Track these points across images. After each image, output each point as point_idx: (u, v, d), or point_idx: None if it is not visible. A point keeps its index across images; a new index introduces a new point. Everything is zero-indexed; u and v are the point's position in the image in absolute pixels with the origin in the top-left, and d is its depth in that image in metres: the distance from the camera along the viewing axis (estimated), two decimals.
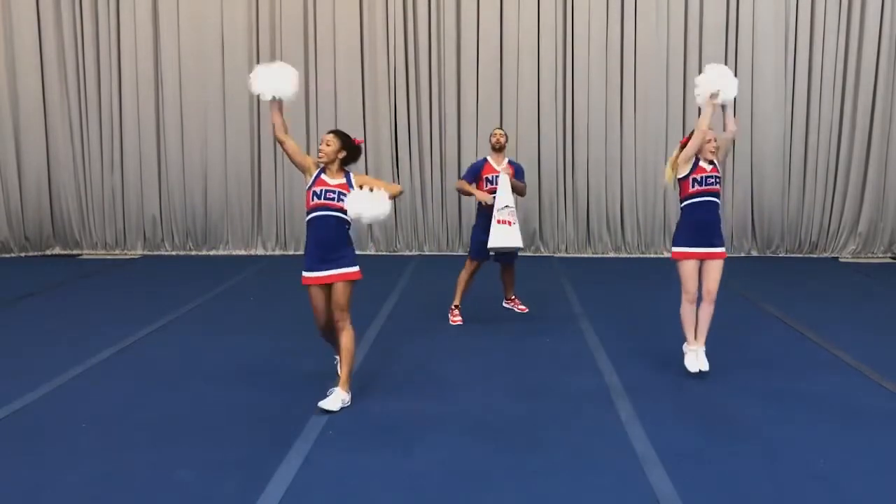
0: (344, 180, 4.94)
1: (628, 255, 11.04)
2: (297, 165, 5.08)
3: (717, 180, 5.43)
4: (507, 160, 7.13)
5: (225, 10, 10.91)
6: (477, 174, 7.05)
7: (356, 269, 4.96)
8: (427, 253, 11.18)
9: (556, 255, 11.07)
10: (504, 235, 6.73)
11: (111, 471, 4.02)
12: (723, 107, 5.46)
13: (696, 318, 5.52)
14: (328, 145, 4.93)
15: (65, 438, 4.45)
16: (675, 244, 5.52)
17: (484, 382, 5.49)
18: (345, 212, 4.81)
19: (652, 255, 11.00)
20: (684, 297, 5.51)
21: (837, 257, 10.89)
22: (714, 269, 5.45)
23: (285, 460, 4.13)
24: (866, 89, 10.69)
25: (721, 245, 5.48)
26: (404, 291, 8.58)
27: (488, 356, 6.13)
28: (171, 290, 8.52)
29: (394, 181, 11.10)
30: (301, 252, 11.06)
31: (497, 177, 6.93)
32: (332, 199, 4.86)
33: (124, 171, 11.15)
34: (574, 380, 5.52)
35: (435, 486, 3.87)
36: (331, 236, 4.88)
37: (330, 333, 5.13)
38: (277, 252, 11.22)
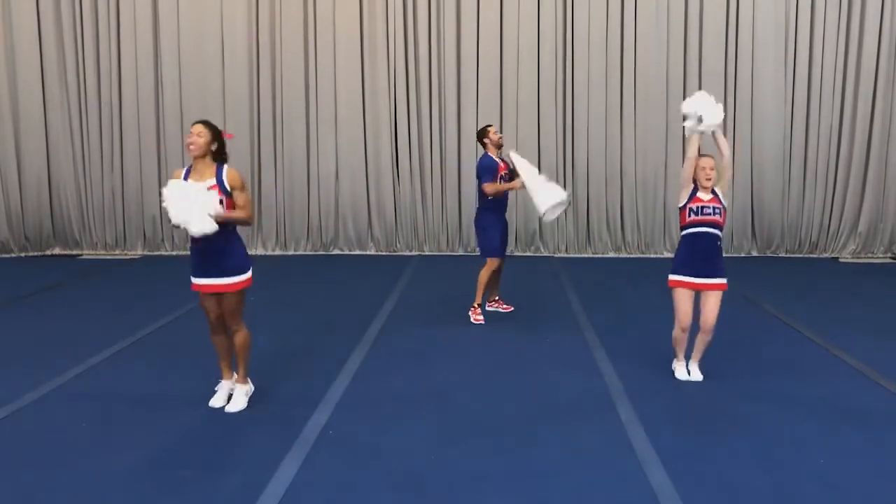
0: (213, 180, 4.55)
1: (628, 255, 11.04)
2: None
3: (717, 210, 5.20)
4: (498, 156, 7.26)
5: (225, 10, 10.91)
6: (495, 173, 7.03)
7: (245, 276, 4.75)
8: (427, 253, 11.18)
9: (556, 255, 11.07)
10: (552, 191, 6.74)
11: (111, 470, 4.02)
12: (713, 133, 5.27)
13: (695, 342, 5.43)
14: (199, 136, 4.53)
15: (65, 438, 4.46)
16: (671, 271, 5.35)
17: (484, 382, 5.49)
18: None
19: (652, 255, 11.00)
20: (677, 325, 5.38)
21: (837, 257, 10.89)
22: (711, 301, 5.25)
23: (285, 460, 4.13)
24: (866, 89, 10.69)
25: (719, 276, 5.25)
26: (404, 291, 8.58)
27: (488, 356, 6.13)
28: (171, 291, 8.51)
29: (394, 182, 11.13)
30: (301, 252, 11.18)
31: (505, 175, 7.06)
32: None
33: (124, 171, 11.16)
34: (574, 380, 5.53)
35: (435, 486, 3.87)
36: (209, 246, 4.56)
37: (223, 336, 4.93)
38: (277, 252, 11.22)
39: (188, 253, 4.75)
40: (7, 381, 5.43)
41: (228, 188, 4.58)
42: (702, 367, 5.53)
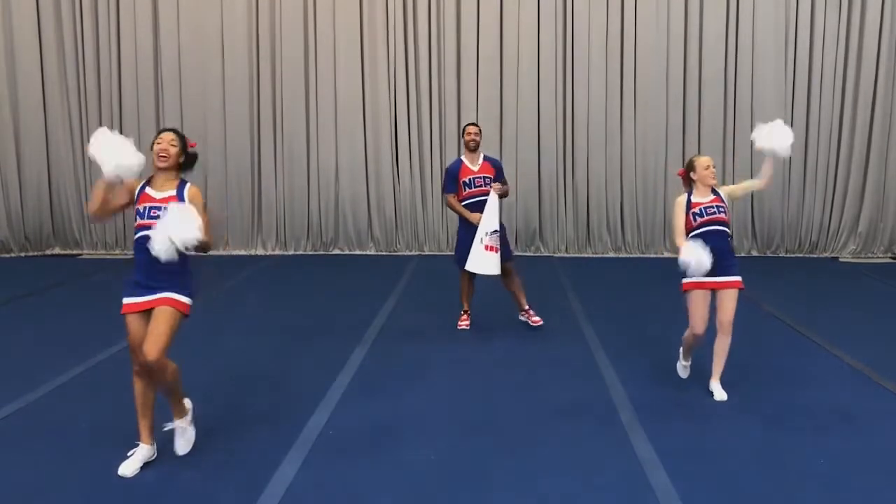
0: (174, 192, 4.08)
1: (628, 255, 11.04)
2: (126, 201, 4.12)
3: (721, 209, 5.05)
4: (482, 157, 6.69)
5: (225, 10, 10.91)
6: (455, 180, 6.64)
7: (185, 298, 4.05)
8: (427, 253, 11.18)
9: (556, 255, 11.07)
10: (486, 262, 6.42)
11: (111, 471, 4.01)
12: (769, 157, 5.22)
13: (713, 352, 5.15)
14: (173, 146, 4.09)
15: (64, 438, 4.45)
16: (685, 275, 5.03)
17: (484, 382, 5.49)
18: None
19: (652, 255, 11.00)
20: (689, 330, 5.15)
21: (837, 257, 10.90)
22: (727, 299, 5.06)
23: (285, 461, 4.13)
24: (866, 89, 10.70)
25: (734, 273, 5.07)
26: (404, 291, 8.58)
27: (488, 356, 6.13)
28: None
29: (394, 181, 11.12)
30: (301, 251, 11.18)
31: (474, 179, 6.57)
32: (158, 217, 3.89)
33: None
34: (574, 380, 5.52)
35: (435, 487, 3.87)
36: (154, 261, 3.86)
37: (148, 384, 4.09)
38: (277, 252, 11.22)
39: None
40: (6, 381, 5.42)
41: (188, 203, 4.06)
42: (701, 366, 5.51)
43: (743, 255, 11.01)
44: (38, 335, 6.76)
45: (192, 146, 4.23)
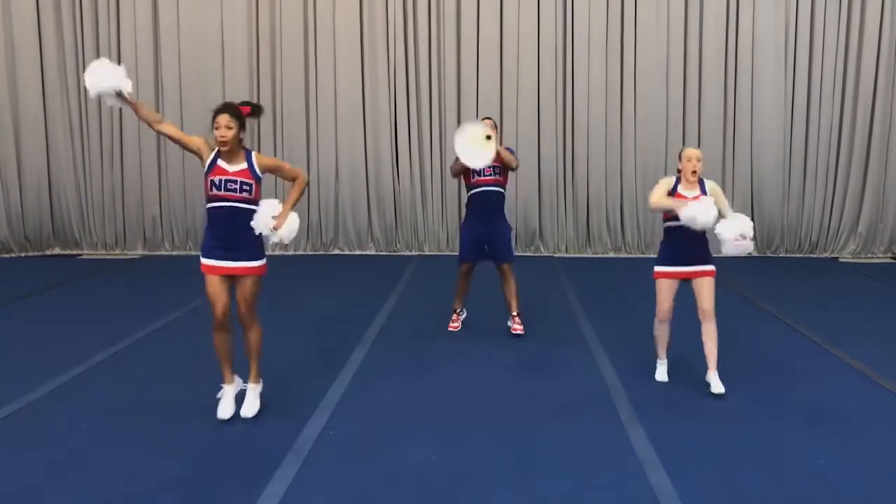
0: (245, 165, 4.52)
1: (628, 255, 11.04)
2: (188, 150, 4.60)
3: None
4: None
5: (225, 10, 10.91)
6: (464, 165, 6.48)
7: (262, 262, 4.65)
8: (427, 253, 11.18)
9: (556, 255, 11.07)
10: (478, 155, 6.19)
11: (111, 471, 4.02)
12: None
13: (703, 342, 5.21)
14: (229, 129, 4.43)
15: (65, 438, 4.45)
16: (656, 263, 5.30)
17: (483, 382, 5.49)
18: (248, 201, 4.50)
19: (652, 255, 10.96)
20: (657, 316, 5.36)
21: (837, 257, 10.90)
22: (704, 287, 5.14)
23: (285, 460, 4.13)
24: (866, 89, 10.71)
25: (708, 263, 5.16)
26: (404, 291, 8.58)
27: (488, 356, 6.13)
28: (171, 291, 8.52)
29: (394, 181, 11.12)
30: (301, 252, 11.17)
31: (484, 168, 6.43)
32: (234, 189, 4.47)
33: (124, 171, 11.16)
34: (574, 380, 5.53)
35: (435, 487, 3.87)
36: (233, 229, 4.52)
37: (226, 334, 4.69)
38: (277, 252, 11.20)
39: (187, 252, 4.72)
40: (6, 381, 5.42)
41: (260, 173, 4.56)
42: (700, 365, 5.50)
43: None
44: (38, 335, 6.76)
45: (245, 112, 4.54)
